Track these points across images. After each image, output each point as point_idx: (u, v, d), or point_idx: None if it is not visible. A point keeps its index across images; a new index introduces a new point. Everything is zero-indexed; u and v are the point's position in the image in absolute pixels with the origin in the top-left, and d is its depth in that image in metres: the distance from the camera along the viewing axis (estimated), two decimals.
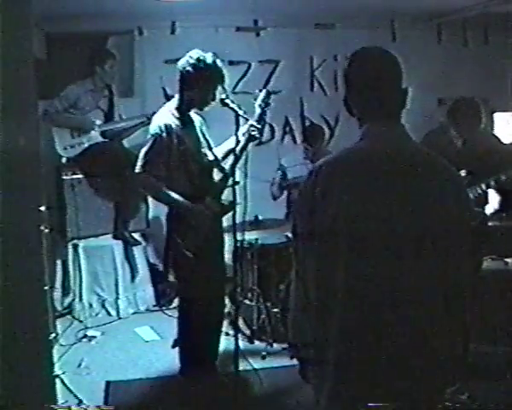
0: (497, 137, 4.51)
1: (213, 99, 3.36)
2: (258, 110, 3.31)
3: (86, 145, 4.92)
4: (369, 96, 1.84)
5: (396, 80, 1.87)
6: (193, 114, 3.46)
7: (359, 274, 1.75)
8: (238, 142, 3.26)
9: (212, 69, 3.28)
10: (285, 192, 5.05)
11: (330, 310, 1.78)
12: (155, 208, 5.01)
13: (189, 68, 3.28)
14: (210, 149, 3.50)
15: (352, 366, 1.78)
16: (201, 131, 3.50)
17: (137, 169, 3.30)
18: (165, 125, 3.27)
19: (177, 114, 3.34)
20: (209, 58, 3.28)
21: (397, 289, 1.75)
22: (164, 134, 3.26)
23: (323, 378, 1.83)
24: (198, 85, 3.29)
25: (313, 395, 1.93)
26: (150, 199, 4.93)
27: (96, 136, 4.95)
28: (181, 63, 3.33)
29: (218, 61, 3.31)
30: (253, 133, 3.29)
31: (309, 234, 1.83)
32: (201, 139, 3.47)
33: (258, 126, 3.30)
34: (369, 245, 1.75)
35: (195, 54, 3.29)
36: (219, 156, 3.49)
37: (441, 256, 1.76)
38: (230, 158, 3.37)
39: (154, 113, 3.52)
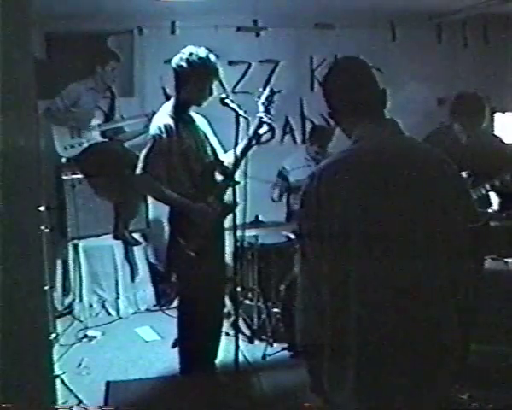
0: (498, 138, 4.51)
1: (211, 94, 3.35)
2: (261, 109, 3.27)
3: (86, 145, 4.93)
4: (354, 99, 1.90)
5: (373, 81, 1.93)
6: (194, 113, 3.46)
7: (362, 274, 1.76)
8: (237, 143, 3.24)
9: (206, 63, 3.28)
10: (285, 195, 5.04)
11: (341, 311, 1.78)
12: (155, 209, 5.01)
13: (182, 64, 3.28)
14: (213, 149, 3.49)
15: (371, 365, 1.77)
16: (203, 131, 3.49)
17: (138, 171, 3.30)
18: (165, 126, 3.27)
19: (176, 114, 3.33)
20: (202, 52, 3.28)
21: (396, 288, 1.75)
22: (164, 135, 3.26)
23: (342, 377, 1.82)
24: (193, 80, 3.28)
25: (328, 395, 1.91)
26: (150, 199, 4.94)
27: (95, 136, 4.95)
28: (175, 61, 3.33)
29: (212, 56, 3.31)
30: (263, 120, 3.24)
31: (316, 235, 1.83)
32: (203, 139, 3.46)
33: (267, 120, 3.26)
34: (376, 244, 1.75)
35: (188, 49, 3.30)
36: (230, 161, 3.44)
37: (444, 254, 1.77)
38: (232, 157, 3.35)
39: (154, 112, 3.51)
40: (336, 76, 1.96)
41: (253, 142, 3.28)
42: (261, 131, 3.27)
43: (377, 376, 1.78)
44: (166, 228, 3.54)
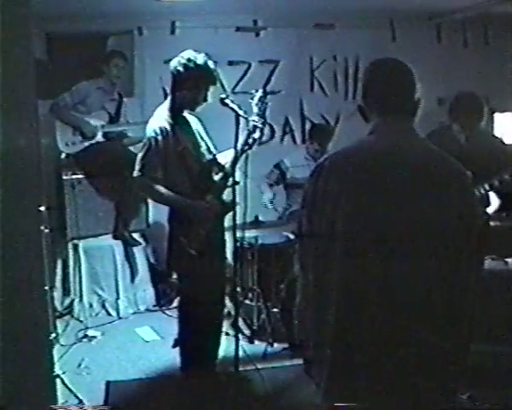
0: (498, 138, 4.52)
1: (205, 100, 3.36)
2: (255, 109, 3.29)
3: (87, 144, 4.93)
4: (387, 94, 1.91)
5: (412, 89, 1.93)
6: (188, 115, 3.47)
7: (364, 270, 1.77)
8: (237, 143, 3.25)
9: (203, 70, 3.28)
10: (284, 192, 5.04)
11: (328, 306, 1.79)
12: (155, 209, 5.01)
13: (179, 68, 3.29)
14: (208, 149, 3.50)
15: (348, 363, 1.79)
16: (198, 131, 3.50)
17: (135, 173, 3.31)
18: (160, 128, 3.28)
19: (170, 116, 3.34)
20: (200, 59, 3.28)
21: (398, 287, 1.76)
22: (159, 137, 3.27)
23: (322, 375, 1.85)
24: (188, 86, 3.29)
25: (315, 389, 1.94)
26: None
27: (98, 135, 4.95)
28: (172, 64, 3.34)
29: (210, 62, 3.31)
30: (256, 125, 3.26)
31: (313, 230, 1.84)
32: (199, 139, 3.47)
33: (260, 125, 3.28)
34: (373, 242, 1.76)
35: (187, 54, 3.30)
36: (226, 161, 3.46)
37: (445, 255, 1.77)
38: (230, 157, 3.36)
39: None
40: (382, 70, 1.97)
41: (246, 147, 3.29)
42: (255, 135, 3.28)
43: (354, 374, 1.79)
44: (166, 228, 3.54)
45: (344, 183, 1.80)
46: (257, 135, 3.28)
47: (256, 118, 3.25)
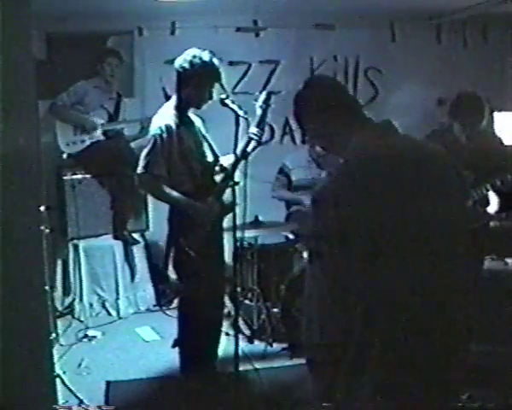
0: (499, 138, 4.52)
1: (210, 97, 3.37)
2: (259, 111, 3.30)
3: (88, 143, 4.94)
4: (341, 109, 1.93)
5: (346, 90, 2.02)
6: (192, 115, 3.47)
7: (374, 277, 1.75)
8: (236, 144, 3.25)
9: (209, 67, 3.30)
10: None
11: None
12: (156, 212, 5.00)
13: (185, 65, 3.30)
14: (211, 149, 3.51)
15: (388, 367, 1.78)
16: (201, 132, 3.51)
17: (139, 170, 3.31)
18: (166, 126, 3.28)
19: (176, 114, 3.35)
20: (205, 56, 3.30)
21: (405, 288, 1.75)
22: (164, 134, 3.27)
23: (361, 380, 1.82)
24: (194, 83, 3.30)
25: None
26: (150, 199, 4.94)
27: (98, 134, 4.96)
28: (178, 61, 3.35)
29: (215, 59, 3.33)
30: (253, 137, 3.28)
31: (335, 239, 1.81)
32: (202, 140, 3.48)
33: (259, 132, 3.29)
34: (386, 249, 1.75)
35: (192, 51, 3.32)
36: (227, 163, 3.47)
37: (445, 255, 1.77)
38: (232, 160, 3.36)
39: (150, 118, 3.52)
40: (317, 94, 1.98)
41: (246, 153, 3.30)
42: (249, 148, 3.30)
43: (393, 377, 1.78)
44: (166, 228, 3.54)
45: (360, 195, 1.77)
46: (254, 145, 3.30)
47: (255, 130, 3.26)
